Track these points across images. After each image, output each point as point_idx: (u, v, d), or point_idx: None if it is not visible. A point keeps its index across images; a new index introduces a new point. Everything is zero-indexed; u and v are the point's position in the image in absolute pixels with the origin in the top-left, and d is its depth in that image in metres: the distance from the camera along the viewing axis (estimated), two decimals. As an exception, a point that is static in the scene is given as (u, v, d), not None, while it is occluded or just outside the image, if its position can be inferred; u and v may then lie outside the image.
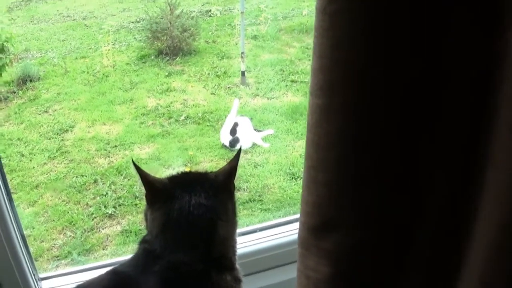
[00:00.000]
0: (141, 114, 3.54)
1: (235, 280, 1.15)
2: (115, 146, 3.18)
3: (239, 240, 1.47)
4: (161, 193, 1.11)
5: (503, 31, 0.63)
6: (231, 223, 1.17)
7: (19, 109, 3.67)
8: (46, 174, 3.04)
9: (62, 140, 3.31)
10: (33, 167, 3.08)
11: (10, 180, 2.99)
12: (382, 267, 0.82)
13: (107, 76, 4.06)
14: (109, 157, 3.08)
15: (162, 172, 2.97)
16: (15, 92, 3.89)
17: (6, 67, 3.92)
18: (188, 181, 1.13)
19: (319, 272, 0.82)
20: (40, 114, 3.61)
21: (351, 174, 0.77)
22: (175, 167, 3.04)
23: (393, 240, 0.80)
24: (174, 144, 3.26)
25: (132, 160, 1.08)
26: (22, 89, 3.92)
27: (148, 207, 1.12)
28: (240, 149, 1.18)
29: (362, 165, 0.76)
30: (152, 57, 4.27)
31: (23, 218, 2.74)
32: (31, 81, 3.99)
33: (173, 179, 1.14)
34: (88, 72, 4.11)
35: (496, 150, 0.67)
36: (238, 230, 1.48)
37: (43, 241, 2.59)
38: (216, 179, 1.14)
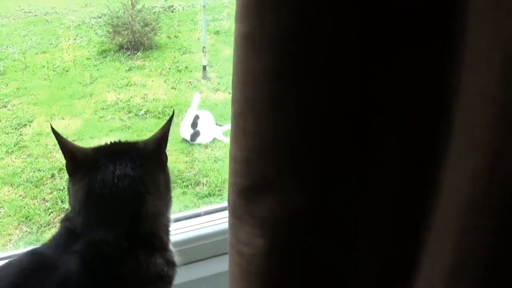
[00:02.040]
0: (101, 109, 3.51)
1: (168, 264, 1.06)
2: (73, 140, 3.13)
3: (181, 224, 1.42)
4: (83, 163, 1.02)
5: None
6: (163, 198, 1.08)
7: (-24, 105, 3.61)
8: (3, 168, 3.01)
9: (21, 135, 3.27)
10: (-6, 166, 3.05)
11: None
12: (326, 241, 0.72)
13: (67, 71, 4.02)
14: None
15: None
16: (-27, 88, 3.83)
17: (-37, 62, 3.86)
18: (114, 151, 1.05)
19: (253, 246, 0.72)
20: (-2, 109, 3.57)
21: (285, 121, 0.65)
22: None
23: (338, 210, 0.70)
24: (134, 138, 3.17)
25: (51, 127, 1.00)
26: (-20, 84, 3.87)
27: (70, 179, 1.04)
28: (172, 114, 1.08)
29: (301, 109, 0.63)
30: (113, 52, 4.24)
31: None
32: (-11, 76, 3.93)
33: (98, 148, 1.06)
34: (48, 67, 4.06)
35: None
36: (181, 214, 1.43)
37: (-4, 236, 2.57)
38: (145, 148, 1.05)
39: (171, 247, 1.10)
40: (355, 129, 0.65)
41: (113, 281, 0.99)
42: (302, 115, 0.64)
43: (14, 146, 3.17)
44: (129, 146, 1.07)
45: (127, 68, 4.02)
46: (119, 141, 1.10)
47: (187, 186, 2.95)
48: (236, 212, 0.73)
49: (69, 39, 4.41)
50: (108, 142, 1.08)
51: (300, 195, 0.68)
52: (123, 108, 3.52)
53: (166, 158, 1.10)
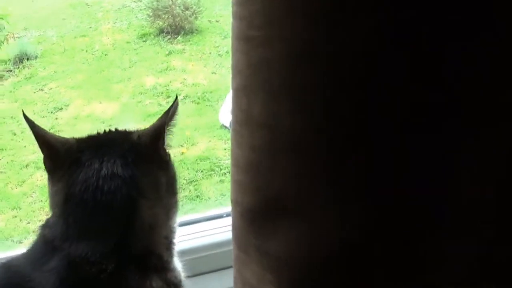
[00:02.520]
0: (139, 93, 3.43)
1: (169, 286, 0.85)
2: (110, 125, 3.04)
3: (199, 227, 1.18)
4: (64, 159, 0.83)
5: None
6: (164, 204, 0.87)
7: (14, 88, 3.56)
8: (37, 153, 2.92)
9: (56, 118, 3.20)
10: (24, 146, 2.96)
11: (0, 159, 2.89)
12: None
13: (106, 55, 3.94)
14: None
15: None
16: (11, 71, 3.78)
17: (2, 45, 3.80)
18: (103, 143, 0.85)
19: None
20: (35, 93, 3.50)
21: (297, 121, 0.51)
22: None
23: (393, 250, 0.51)
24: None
25: (23, 112, 0.84)
26: (18, 67, 3.81)
27: (48, 178, 0.87)
28: (176, 99, 0.90)
29: (313, 108, 0.50)
30: (153, 36, 4.14)
31: (10, 198, 2.63)
32: (28, 59, 3.86)
33: (84, 140, 0.87)
34: (87, 51, 3.99)
35: None
36: (198, 215, 1.19)
37: (29, 222, 2.48)
38: (139, 141, 0.85)
39: (175, 264, 0.89)
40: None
41: None
42: (319, 118, 0.50)
43: (49, 130, 3.07)
44: (121, 138, 0.89)
45: (166, 52, 3.91)
46: (110, 130, 0.91)
47: (225, 174, 2.80)
48: (241, 242, 0.56)
49: (109, 22, 4.32)
50: (98, 132, 0.90)
51: (337, 225, 0.49)
52: (162, 92, 3.42)
53: (166, 153, 0.90)
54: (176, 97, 0.91)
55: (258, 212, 0.52)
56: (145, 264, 0.83)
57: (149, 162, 0.86)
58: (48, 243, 0.83)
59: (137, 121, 3.10)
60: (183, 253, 0.92)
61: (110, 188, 0.81)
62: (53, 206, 0.87)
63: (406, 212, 0.52)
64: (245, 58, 0.53)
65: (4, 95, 3.53)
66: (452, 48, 0.49)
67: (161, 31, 4.17)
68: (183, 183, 2.68)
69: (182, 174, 2.71)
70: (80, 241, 0.80)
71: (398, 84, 0.50)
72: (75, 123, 3.12)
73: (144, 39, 4.14)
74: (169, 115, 0.88)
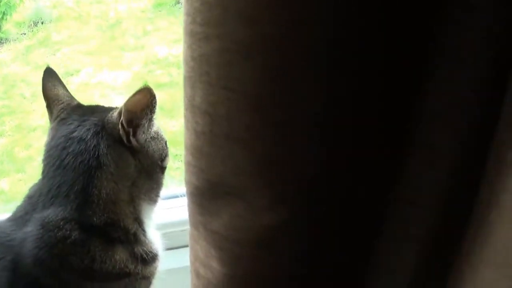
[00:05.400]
0: (151, 62, 3.42)
1: (137, 259, 0.86)
2: (120, 93, 3.05)
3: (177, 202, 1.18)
4: (56, 114, 0.88)
5: None
6: (134, 182, 0.87)
7: (27, 51, 3.56)
8: (45, 118, 2.92)
9: (67, 84, 3.18)
10: (33, 110, 2.97)
11: (8, 122, 2.89)
12: (311, 274, 0.57)
13: (120, 23, 3.91)
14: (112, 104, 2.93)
15: (163, 123, 2.84)
16: (25, 34, 3.77)
17: (18, 6, 3.80)
18: (90, 111, 0.88)
19: (209, 269, 0.57)
20: (47, 57, 3.49)
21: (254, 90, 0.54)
22: (179, 119, 2.91)
23: (329, 232, 0.56)
24: (181, 94, 3.07)
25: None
26: (32, 30, 3.80)
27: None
28: (144, 86, 0.90)
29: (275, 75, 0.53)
30: (169, 6, 4.11)
31: (16, 161, 2.63)
32: (42, 23, 3.86)
33: (81, 106, 0.91)
34: (101, 17, 3.97)
35: None
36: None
37: (33, 186, 2.47)
38: (110, 117, 0.87)
39: (148, 237, 0.89)
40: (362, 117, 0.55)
41: (67, 273, 0.82)
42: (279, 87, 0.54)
43: (59, 95, 3.08)
44: (106, 111, 0.91)
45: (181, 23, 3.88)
46: (105, 106, 0.94)
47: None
48: (192, 220, 0.59)
49: (125, -11, 4.29)
50: (97, 105, 0.94)
51: (274, 207, 0.52)
52: (174, 63, 3.40)
53: (143, 142, 0.89)
54: (150, 90, 0.91)
55: (203, 193, 0.56)
56: (108, 235, 0.84)
57: (118, 141, 0.87)
58: (28, 202, 0.87)
59: (148, 91, 3.09)
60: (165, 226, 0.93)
61: (74, 151, 0.83)
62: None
63: (341, 202, 0.57)
64: (190, 51, 0.58)
65: (17, 58, 3.53)
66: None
67: (177, 1, 4.15)
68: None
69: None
70: (51, 203, 0.82)
71: (317, 76, 0.54)
72: (85, 89, 3.11)
73: (159, 8, 4.11)
74: (131, 103, 0.87)
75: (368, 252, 0.62)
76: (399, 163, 0.58)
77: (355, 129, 0.55)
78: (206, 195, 0.56)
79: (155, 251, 0.90)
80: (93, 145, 0.84)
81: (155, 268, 0.91)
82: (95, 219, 0.83)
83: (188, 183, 0.59)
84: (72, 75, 3.27)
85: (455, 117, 0.55)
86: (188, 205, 0.60)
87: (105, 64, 3.39)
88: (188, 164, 0.58)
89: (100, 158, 0.84)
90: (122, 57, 3.48)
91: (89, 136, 0.84)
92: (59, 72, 3.34)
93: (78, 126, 0.84)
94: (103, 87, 3.08)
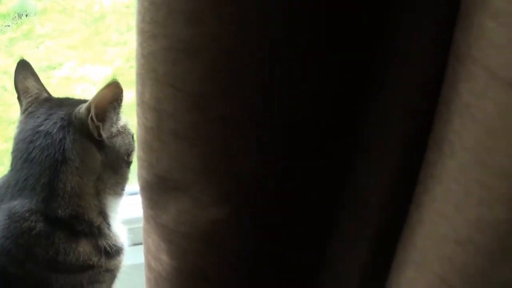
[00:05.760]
0: (133, 58, 3.39)
1: (101, 252, 0.88)
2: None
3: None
4: (25, 107, 0.86)
5: None
6: (99, 177, 0.89)
7: (10, 43, 3.55)
8: (26, 110, 2.95)
9: (48, 77, 3.20)
10: (14, 103, 2.96)
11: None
12: (255, 268, 0.59)
13: (104, 17, 3.91)
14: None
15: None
16: (9, 26, 3.77)
17: (3, -3, 3.80)
18: (59, 104, 0.90)
19: (159, 262, 0.59)
20: (31, 49, 3.50)
21: (198, 87, 0.57)
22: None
23: (274, 226, 0.58)
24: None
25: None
26: (17, 23, 3.80)
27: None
28: (112, 81, 0.89)
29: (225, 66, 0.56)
30: (153, 2, 4.11)
31: (-4, 154, 2.65)
32: (27, 15, 3.85)
33: (51, 98, 0.92)
34: (86, 11, 3.97)
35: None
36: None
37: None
38: (78, 112, 0.88)
39: (114, 231, 0.92)
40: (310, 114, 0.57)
41: (32, 263, 0.85)
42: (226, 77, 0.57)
43: (41, 88, 3.10)
44: (75, 104, 0.92)
45: (165, 19, 3.89)
46: (75, 98, 0.94)
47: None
48: (144, 213, 0.61)
49: (110, -16, 4.29)
50: (67, 97, 0.94)
51: (219, 203, 0.54)
52: (156, 59, 3.41)
53: (110, 136, 0.91)
54: (118, 84, 0.92)
55: (153, 187, 0.58)
56: (73, 228, 0.87)
57: (84, 135, 0.90)
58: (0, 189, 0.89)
59: (128, 86, 3.10)
60: (132, 221, 0.95)
61: (41, 144, 0.85)
62: None
63: (282, 197, 0.56)
64: (140, 48, 0.61)
65: (0, 49, 3.53)
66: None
67: (162, -2, 4.15)
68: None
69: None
70: (18, 194, 0.85)
71: (259, 75, 0.57)
72: (67, 83, 3.12)
73: (144, 4, 4.12)
74: (100, 97, 0.90)
75: (319, 252, 0.64)
76: (347, 162, 0.60)
77: (298, 128, 0.58)
78: (156, 190, 0.59)
79: (119, 245, 0.94)
80: (59, 139, 0.87)
81: (120, 262, 0.93)
82: (60, 211, 0.86)
83: (139, 177, 0.62)
84: (54, 68, 3.29)
85: (399, 117, 0.57)
86: (141, 199, 0.63)
87: (87, 58, 3.40)
88: (139, 159, 0.61)
89: (66, 152, 0.87)
90: (105, 52, 3.49)
91: (55, 130, 0.87)
92: (41, 65, 3.37)
93: (45, 119, 0.87)
94: (85, 81, 3.10)
